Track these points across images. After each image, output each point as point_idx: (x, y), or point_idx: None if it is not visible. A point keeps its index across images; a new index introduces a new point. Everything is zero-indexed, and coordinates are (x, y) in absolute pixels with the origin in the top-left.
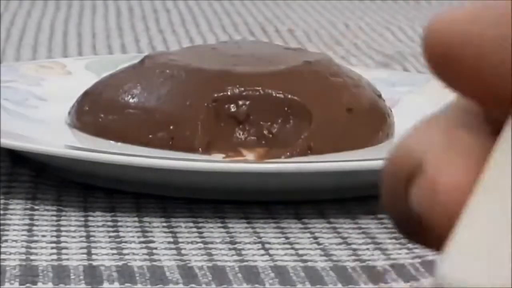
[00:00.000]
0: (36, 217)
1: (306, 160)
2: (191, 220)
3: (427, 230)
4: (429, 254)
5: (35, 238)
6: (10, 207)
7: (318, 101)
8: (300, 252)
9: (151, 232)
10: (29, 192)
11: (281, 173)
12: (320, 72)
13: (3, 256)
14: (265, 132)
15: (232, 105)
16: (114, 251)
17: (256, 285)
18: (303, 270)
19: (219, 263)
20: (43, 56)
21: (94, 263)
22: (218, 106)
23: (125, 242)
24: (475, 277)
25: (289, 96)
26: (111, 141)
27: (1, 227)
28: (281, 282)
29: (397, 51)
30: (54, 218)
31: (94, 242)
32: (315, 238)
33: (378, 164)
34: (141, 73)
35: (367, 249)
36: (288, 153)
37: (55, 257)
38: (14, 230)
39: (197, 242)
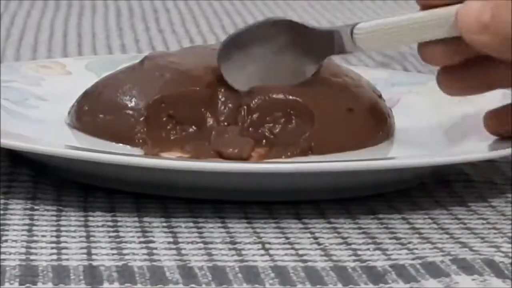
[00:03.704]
0: (36, 217)
1: (306, 160)
2: (191, 220)
3: None
4: (429, 255)
5: (35, 238)
6: (10, 207)
7: (319, 101)
8: (300, 252)
9: (151, 232)
10: (29, 192)
11: (281, 173)
12: (320, 72)
13: (3, 256)
14: (266, 132)
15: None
16: (114, 251)
17: (256, 285)
18: (303, 270)
19: (219, 263)
20: (43, 56)
21: (94, 263)
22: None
23: (125, 242)
24: None
25: (290, 96)
26: (111, 141)
27: (1, 227)
28: (281, 282)
29: (397, 51)
30: (54, 218)
31: (94, 242)
32: (315, 238)
33: (378, 164)
34: (141, 74)
35: (367, 249)
36: (288, 153)
37: (55, 257)
38: (14, 230)
39: (197, 242)
